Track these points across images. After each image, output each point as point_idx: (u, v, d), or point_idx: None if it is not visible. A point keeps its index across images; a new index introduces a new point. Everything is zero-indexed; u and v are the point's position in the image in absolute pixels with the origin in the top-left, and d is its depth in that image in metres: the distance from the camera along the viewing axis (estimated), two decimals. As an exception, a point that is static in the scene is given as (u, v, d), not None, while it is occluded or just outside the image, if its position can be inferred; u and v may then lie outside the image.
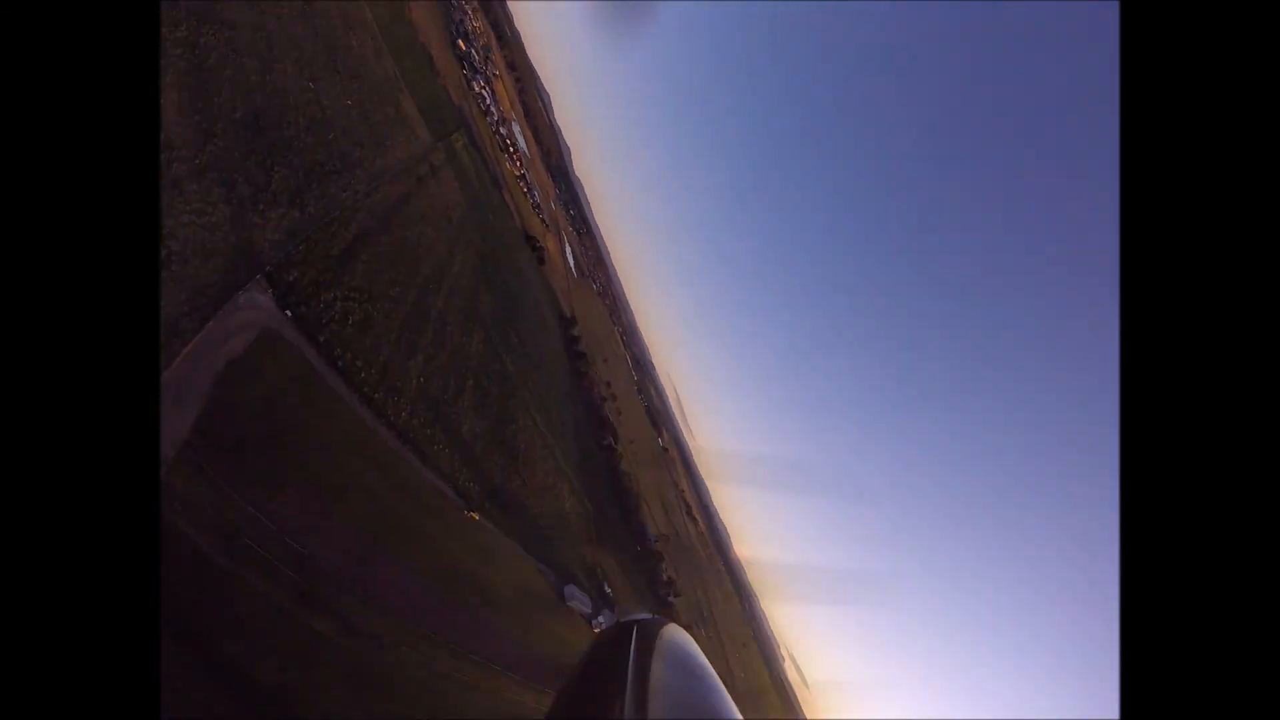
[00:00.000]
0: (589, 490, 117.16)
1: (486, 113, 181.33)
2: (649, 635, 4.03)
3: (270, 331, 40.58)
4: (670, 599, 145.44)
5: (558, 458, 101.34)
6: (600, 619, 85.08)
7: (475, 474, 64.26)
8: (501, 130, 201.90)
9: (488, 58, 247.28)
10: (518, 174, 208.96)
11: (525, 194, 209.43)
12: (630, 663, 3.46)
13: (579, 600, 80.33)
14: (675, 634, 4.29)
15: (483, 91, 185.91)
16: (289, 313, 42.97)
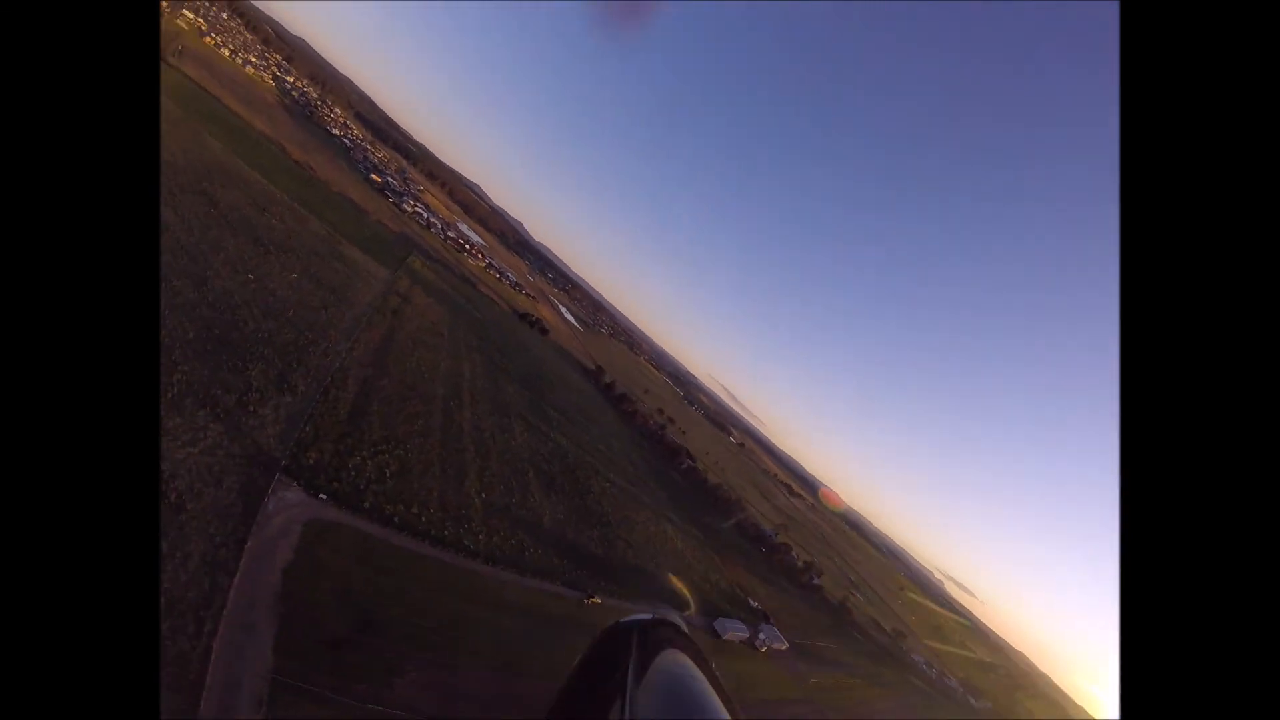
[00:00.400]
0: (691, 517, 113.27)
1: (429, 225, 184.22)
2: (649, 637, 4.01)
3: (313, 522, 38.23)
4: (815, 580, 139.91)
5: (647, 502, 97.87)
6: (761, 635, 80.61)
7: (577, 558, 60.96)
8: (450, 234, 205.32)
9: (405, 179, 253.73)
10: (484, 264, 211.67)
11: (499, 278, 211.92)
12: (631, 664, 3.42)
13: (733, 629, 75.95)
14: (671, 661, 3.91)
15: (416, 209, 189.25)
16: (323, 495, 40.68)
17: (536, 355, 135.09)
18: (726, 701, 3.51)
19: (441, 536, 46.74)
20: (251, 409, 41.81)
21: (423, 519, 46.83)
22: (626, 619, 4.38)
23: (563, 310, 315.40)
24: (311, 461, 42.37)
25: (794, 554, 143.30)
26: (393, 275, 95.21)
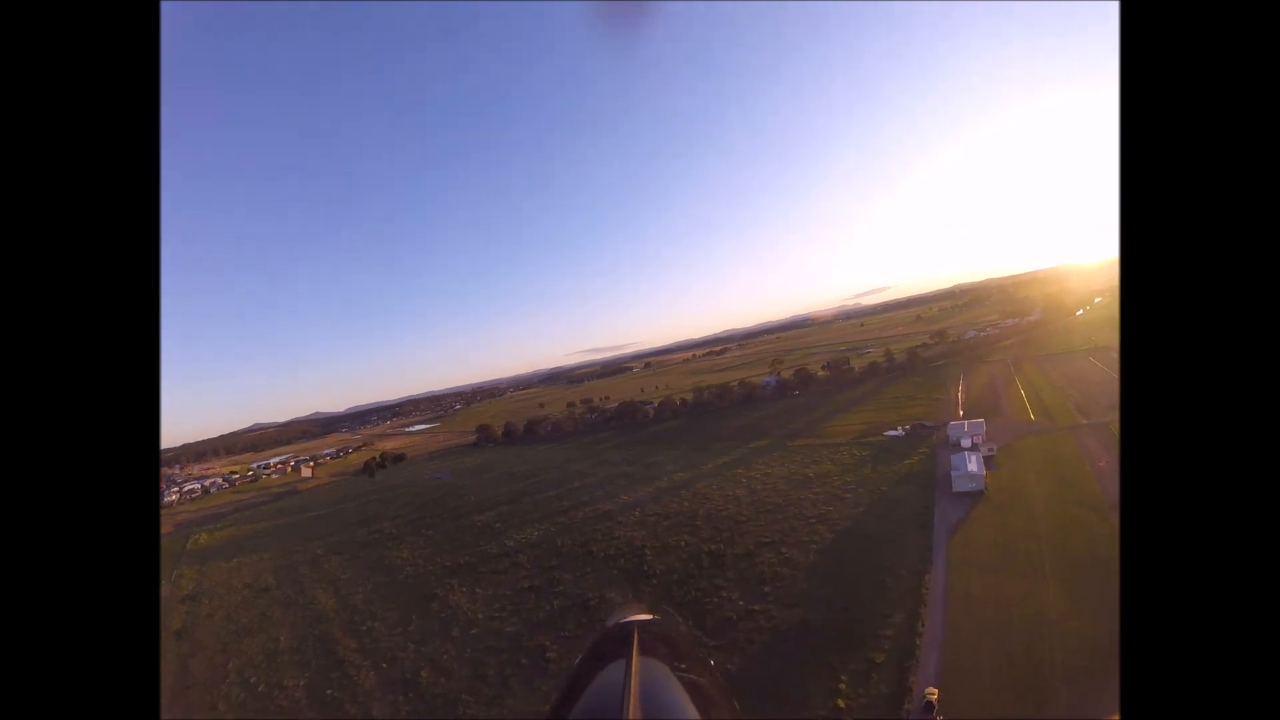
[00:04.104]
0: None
1: (208, 489, 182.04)
2: (649, 637, 4.00)
3: None
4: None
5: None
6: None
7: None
8: (234, 478, 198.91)
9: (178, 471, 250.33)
10: (291, 469, 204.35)
11: (316, 464, 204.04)
12: (632, 664, 3.43)
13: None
14: (655, 633, 4.12)
15: (189, 488, 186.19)
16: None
17: (405, 479, 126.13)
18: (725, 698, 3.54)
19: None
20: None
21: None
22: (626, 619, 4.37)
23: (412, 429, 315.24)
24: None
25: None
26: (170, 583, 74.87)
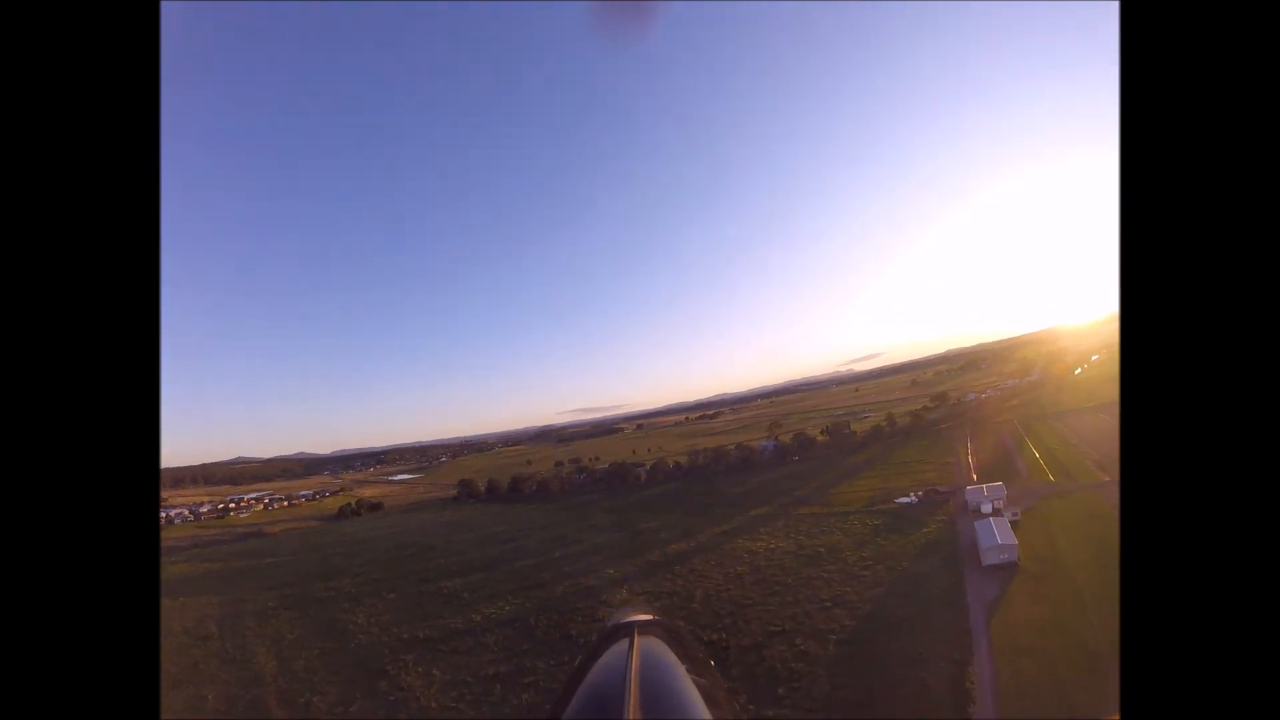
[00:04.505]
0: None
1: (169, 520, 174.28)
2: (645, 636, 3.99)
3: None
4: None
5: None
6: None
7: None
8: (202, 510, 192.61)
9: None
10: (262, 506, 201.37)
11: (289, 504, 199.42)
12: (632, 664, 3.41)
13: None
14: (654, 634, 4.20)
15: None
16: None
17: (386, 534, 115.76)
18: (723, 696, 3.65)
19: None
20: None
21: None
22: (626, 619, 4.49)
23: (395, 477, 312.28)
24: None
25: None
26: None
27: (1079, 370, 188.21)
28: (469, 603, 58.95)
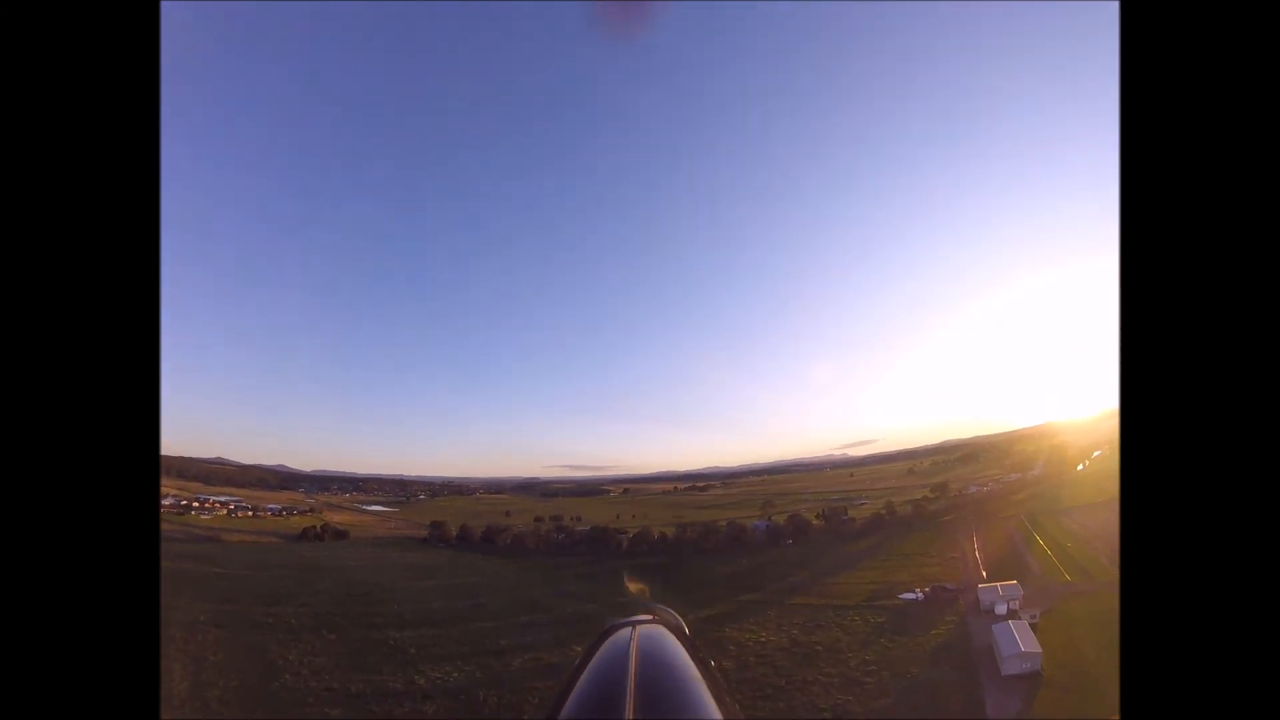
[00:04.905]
0: None
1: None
2: (645, 634, 4.01)
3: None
4: None
5: None
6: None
7: None
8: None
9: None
10: (226, 512, 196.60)
11: (254, 515, 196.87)
12: (631, 664, 3.37)
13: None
14: (654, 633, 4.19)
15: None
16: None
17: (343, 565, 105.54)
18: (723, 695, 3.49)
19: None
20: None
21: None
22: (625, 619, 4.48)
23: (369, 507, 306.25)
24: None
25: None
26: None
27: (1081, 466, 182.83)
28: (414, 660, 52.48)
